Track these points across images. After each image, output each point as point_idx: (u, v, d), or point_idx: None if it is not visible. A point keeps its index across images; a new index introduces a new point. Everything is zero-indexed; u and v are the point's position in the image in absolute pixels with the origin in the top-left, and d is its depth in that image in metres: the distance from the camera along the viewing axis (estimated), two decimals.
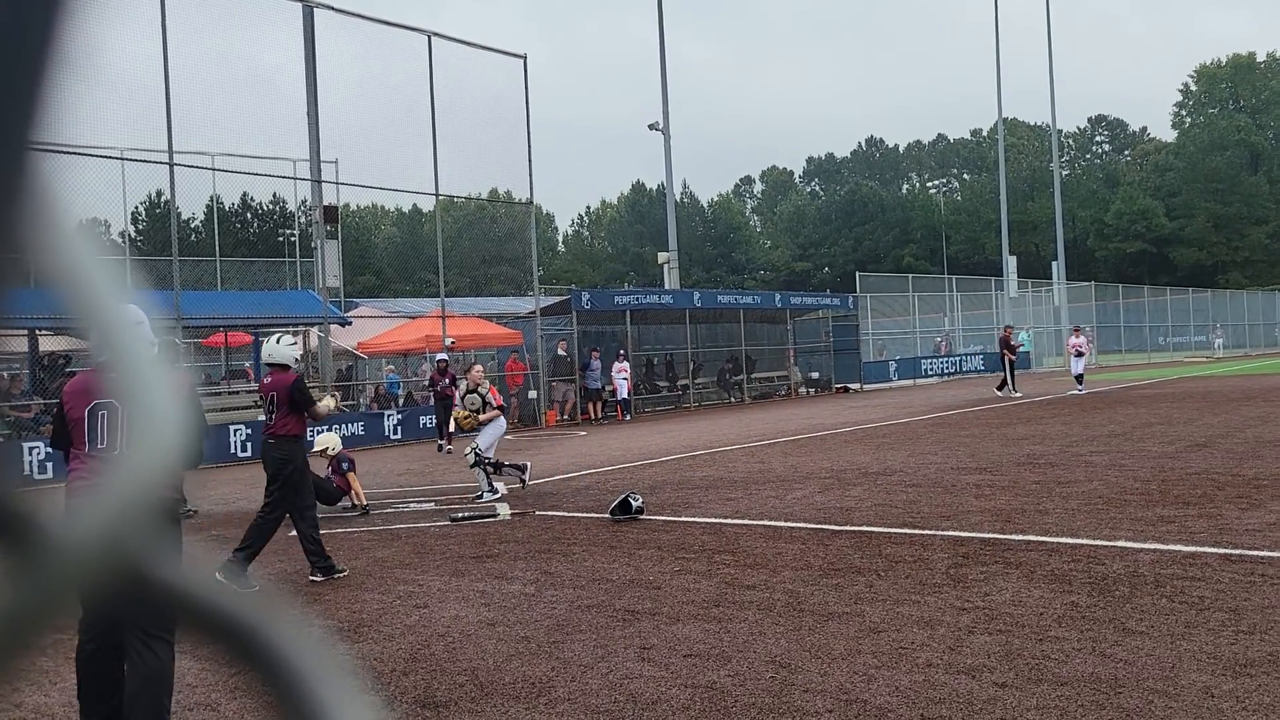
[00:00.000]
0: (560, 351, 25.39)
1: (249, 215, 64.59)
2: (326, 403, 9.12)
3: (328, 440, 11.73)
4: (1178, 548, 7.16)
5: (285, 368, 8.01)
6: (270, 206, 62.58)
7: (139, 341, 0.29)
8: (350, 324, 25.01)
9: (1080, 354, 26.27)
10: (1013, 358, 25.96)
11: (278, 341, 8.13)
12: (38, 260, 0.28)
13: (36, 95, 0.28)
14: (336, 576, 7.73)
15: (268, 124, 21.41)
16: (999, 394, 25.24)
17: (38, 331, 19.01)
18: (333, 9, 21.27)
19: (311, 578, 7.71)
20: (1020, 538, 7.81)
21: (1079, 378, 25.77)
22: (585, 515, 10.17)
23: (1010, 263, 45.76)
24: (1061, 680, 4.60)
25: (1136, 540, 7.47)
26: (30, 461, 15.71)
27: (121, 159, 20.18)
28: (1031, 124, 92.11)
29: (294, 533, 7.93)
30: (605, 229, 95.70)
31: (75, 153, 15.92)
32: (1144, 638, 5.14)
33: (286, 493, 7.75)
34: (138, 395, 0.28)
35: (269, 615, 0.28)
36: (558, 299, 28.40)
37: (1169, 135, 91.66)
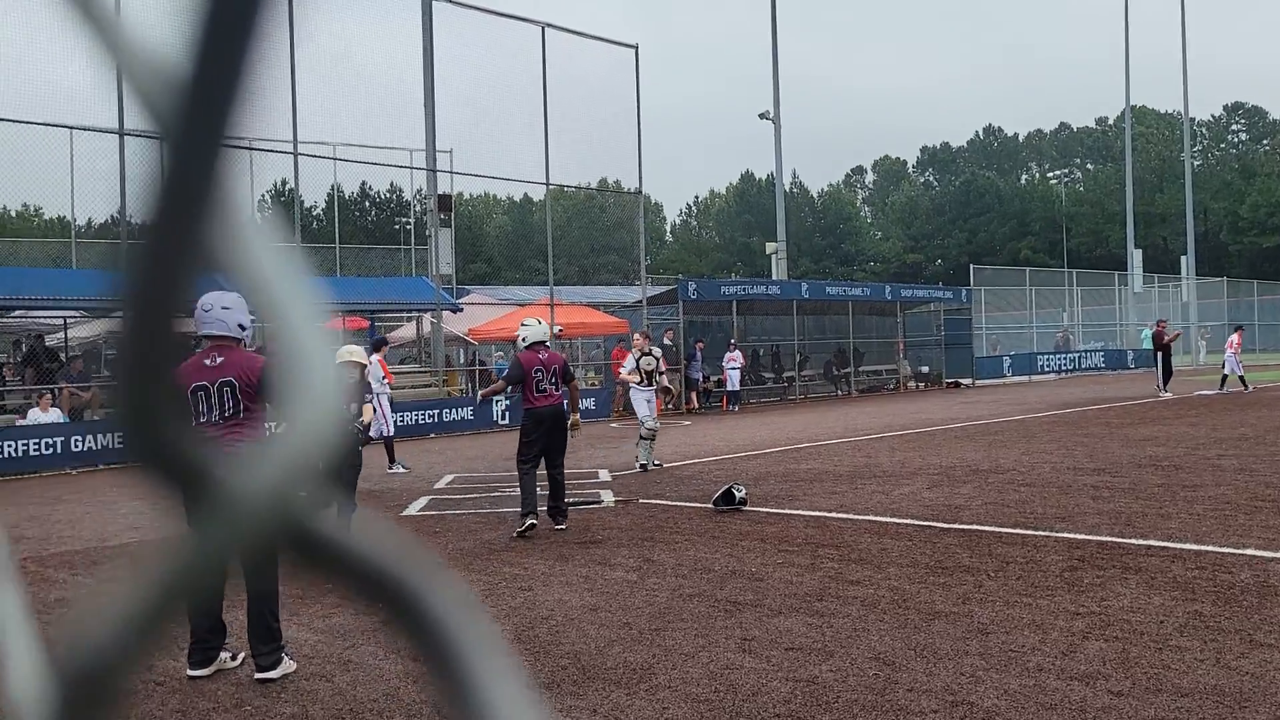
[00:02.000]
0: (666, 341, 25.43)
1: (367, 204, 66.50)
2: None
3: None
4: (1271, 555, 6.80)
5: (545, 345, 9.56)
6: (388, 195, 64.33)
7: (307, 320, 0.31)
8: (462, 310, 25.52)
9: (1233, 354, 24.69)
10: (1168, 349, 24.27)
11: (539, 324, 9.71)
12: (216, 248, 0.31)
13: (239, 90, 0.30)
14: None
15: (386, 115, 22.02)
16: (1163, 393, 23.69)
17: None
18: (451, 2, 21.69)
19: (557, 527, 8.92)
20: (1140, 542, 7.52)
21: (1239, 379, 24.21)
22: (688, 504, 10.19)
23: (1135, 257, 43.97)
24: (1182, 691, 4.42)
25: (1267, 549, 7.11)
26: None
27: (250, 149, 20.97)
28: (1162, 112, 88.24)
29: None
30: (713, 219, 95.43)
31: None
32: (1273, 650, 4.89)
33: (561, 443, 9.33)
34: (303, 366, 0.30)
35: (435, 582, 0.29)
36: (664, 288, 28.44)
37: None
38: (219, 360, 5.33)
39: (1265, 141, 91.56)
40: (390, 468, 13.68)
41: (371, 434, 12.62)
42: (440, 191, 23.02)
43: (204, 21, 0.30)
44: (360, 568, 0.29)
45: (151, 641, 0.28)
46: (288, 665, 5.21)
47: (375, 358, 13.68)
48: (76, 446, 15.86)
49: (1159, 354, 24.30)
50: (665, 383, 13.30)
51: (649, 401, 12.90)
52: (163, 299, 0.30)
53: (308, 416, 0.29)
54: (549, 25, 23.14)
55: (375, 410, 10.18)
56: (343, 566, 0.29)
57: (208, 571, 0.29)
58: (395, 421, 15.19)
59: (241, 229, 0.31)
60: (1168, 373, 23.88)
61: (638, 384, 13.25)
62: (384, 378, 13.88)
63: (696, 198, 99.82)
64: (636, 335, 13.96)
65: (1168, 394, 23.40)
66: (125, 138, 16.97)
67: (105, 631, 0.30)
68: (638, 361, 13.37)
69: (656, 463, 13.11)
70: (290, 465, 0.28)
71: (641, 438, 12.94)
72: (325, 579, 0.28)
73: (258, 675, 5.11)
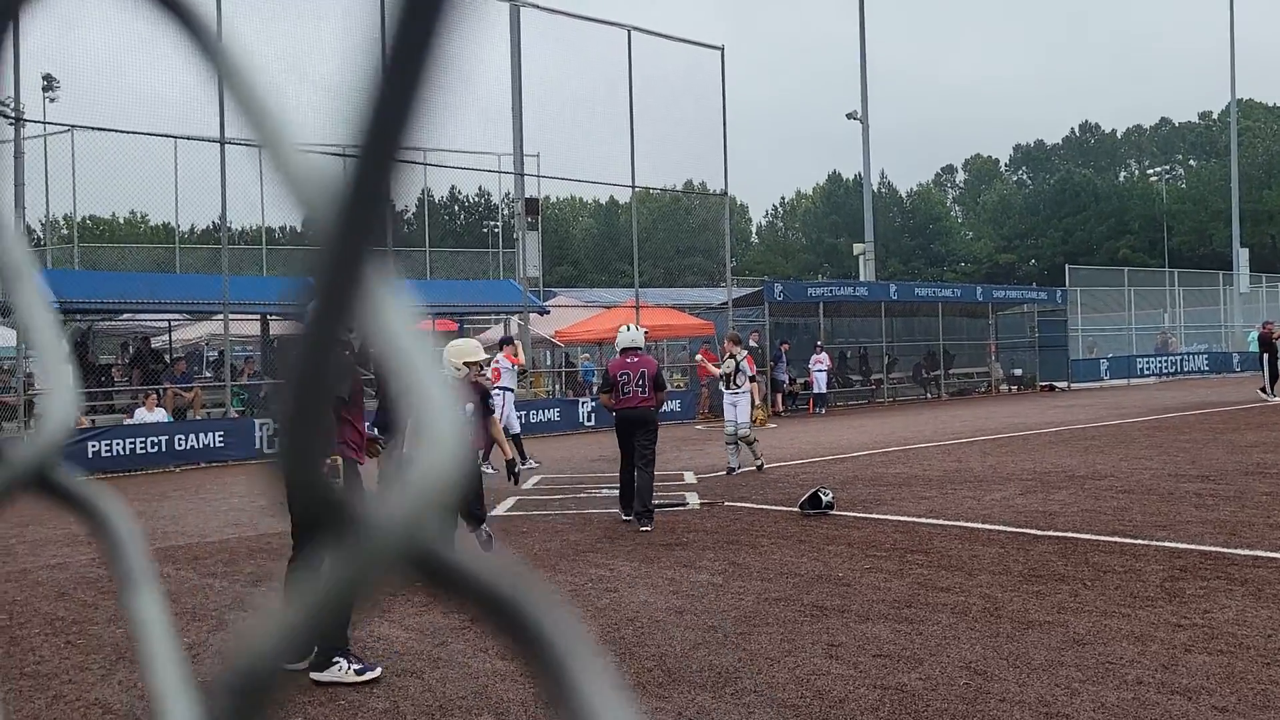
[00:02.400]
0: (752, 343, 25.30)
1: (456, 208, 67.66)
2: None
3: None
4: None
5: (640, 350, 9.95)
6: (476, 199, 65.37)
7: (426, 360, 0.33)
8: (549, 313, 25.78)
9: None
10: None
11: (629, 330, 10.14)
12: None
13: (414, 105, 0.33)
14: (644, 529, 9.06)
15: (475, 120, 22.34)
16: (1263, 396, 22.83)
17: (268, 317, 20.55)
18: (538, 7, 21.95)
19: (642, 529, 9.10)
20: (1247, 553, 7.23)
21: None
22: (774, 508, 10.13)
23: (1241, 255, 42.28)
24: None
25: None
26: (258, 437, 17.09)
27: (342, 155, 21.50)
28: (1270, 105, 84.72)
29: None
30: (800, 220, 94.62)
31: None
32: None
33: (644, 446, 9.58)
34: (428, 407, 0.32)
35: (550, 606, 0.32)
36: (750, 290, 28.32)
37: None
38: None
39: None
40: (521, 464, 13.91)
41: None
42: (527, 195, 23.30)
43: (397, 34, 0.32)
44: (484, 593, 0.32)
45: (299, 658, 0.31)
46: (341, 673, 5.07)
47: (501, 356, 14.35)
48: (180, 445, 16.46)
49: (1265, 356, 23.41)
50: (748, 391, 13.05)
51: (733, 405, 12.83)
52: (335, 319, 0.32)
53: (433, 460, 0.31)
54: (634, 28, 23.24)
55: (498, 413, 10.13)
56: (468, 593, 0.32)
57: (347, 598, 0.32)
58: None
59: (371, 277, 0.33)
60: (1275, 376, 22.94)
61: (724, 388, 13.23)
62: (514, 367, 14.70)
63: (783, 199, 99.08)
64: (725, 339, 13.90)
65: (1276, 399, 22.45)
66: (226, 146, 17.55)
67: (265, 645, 0.33)
68: (722, 363, 13.43)
69: (746, 466, 12.95)
70: (420, 503, 0.31)
71: (726, 442, 12.92)
72: (454, 605, 0.33)
73: (312, 674, 5.06)
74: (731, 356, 13.03)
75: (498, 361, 14.03)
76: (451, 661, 5.38)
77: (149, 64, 17.59)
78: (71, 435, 0.49)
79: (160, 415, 17.09)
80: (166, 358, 21.34)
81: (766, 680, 4.92)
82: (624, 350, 9.90)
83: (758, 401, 12.86)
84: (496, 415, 8.27)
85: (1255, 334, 39.82)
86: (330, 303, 0.31)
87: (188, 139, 18.28)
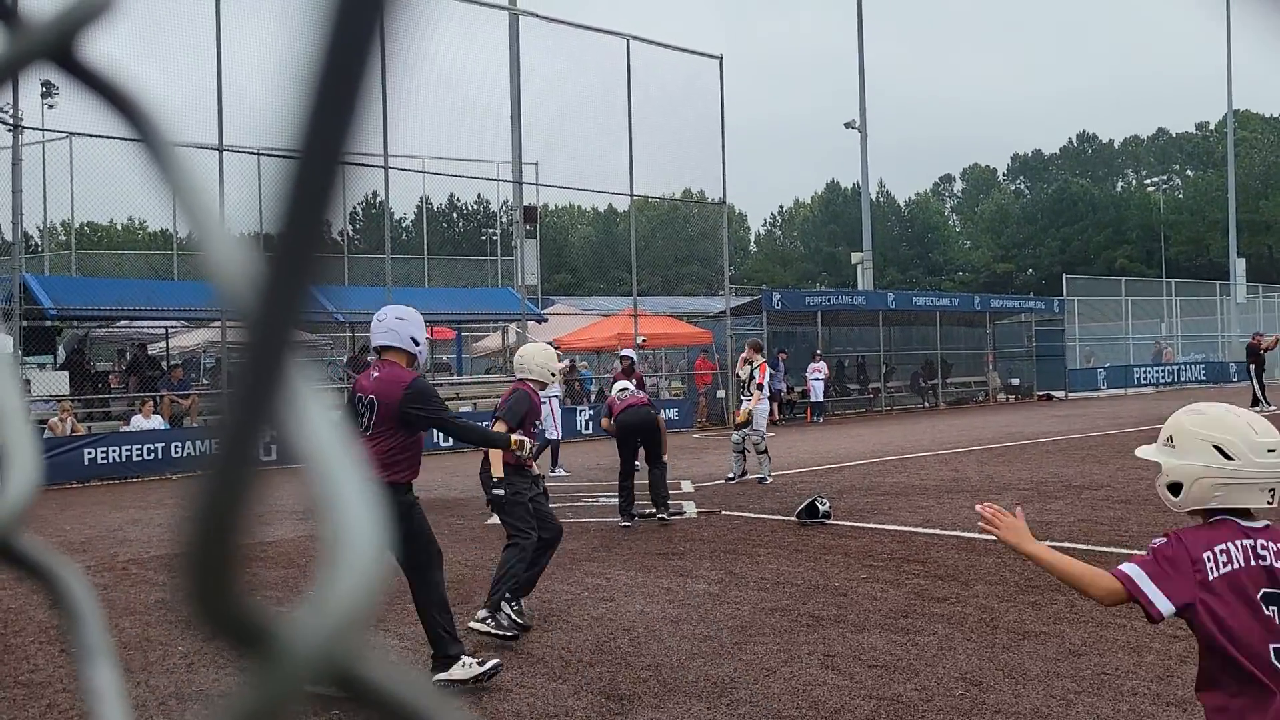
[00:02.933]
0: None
1: (455, 215, 67.73)
2: None
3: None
4: None
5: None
6: (475, 207, 65.43)
7: (347, 463, 0.32)
8: (547, 321, 25.78)
9: None
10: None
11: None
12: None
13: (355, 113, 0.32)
14: (661, 517, 9.92)
15: (473, 128, 22.39)
16: (1255, 409, 23.05)
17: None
18: (537, 16, 22.00)
19: (660, 515, 9.94)
20: None
21: None
22: (771, 517, 10.12)
23: (1238, 266, 42.35)
24: None
25: None
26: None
27: (345, 163, 21.55)
28: (1267, 116, 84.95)
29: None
30: (798, 228, 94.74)
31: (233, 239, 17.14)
32: None
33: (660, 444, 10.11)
34: (343, 518, 0.31)
35: None
36: (749, 299, 28.35)
37: None
38: (375, 375, 5.21)
39: None
40: (552, 470, 14.04)
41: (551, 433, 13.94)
42: (526, 203, 23.33)
43: (328, 39, 0.31)
44: (402, 713, 0.32)
45: None
46: (465, 667, 4.99)
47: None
48: (176, 452, 16.44)
49: (1252, 366, 23.76)
50: (764, 400, 12.91)
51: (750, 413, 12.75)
52: (254, 413, 0.31)
53: (351, 573, 0.30)
54: (634, 37, 23.29)
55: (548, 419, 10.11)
56: (387, 712, 0.32)
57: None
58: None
59: (295, 384, 0.32)
60: (1263, 385, 23.29)
61: (743, 395, 13.10)
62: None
63: (781, 207, 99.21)
64: (746, 345, 13.55)
65: (1271, 407, 22.56)
66: (225, 154, 17.58)
67: None
68: (740, 369, 13.26)
69: (753, 474, 12.78)
70: (338, 619, 0.30)
71: (734, 450, 12.94)
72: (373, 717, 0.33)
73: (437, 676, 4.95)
74: (748, 363, 12.96)
75: None
76: None
77: (148, 71, 17.62)
78: (32, 502, 0.49)
79: (157, 422, 17.07)
80: (164, 365, 21.31)
81: (762, 690, 4.92)
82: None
83: (749, 408, 12.63)
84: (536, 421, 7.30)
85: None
86: (250, 396, 0.32)
87: (187, 146, 18.22)
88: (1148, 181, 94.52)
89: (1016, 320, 33.11)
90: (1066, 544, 8.20)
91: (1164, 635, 5.53)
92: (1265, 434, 2.51)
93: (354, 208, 50.03)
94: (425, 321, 5.63)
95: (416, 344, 5.28)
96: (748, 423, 12.55)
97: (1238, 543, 2.46)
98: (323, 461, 0.32)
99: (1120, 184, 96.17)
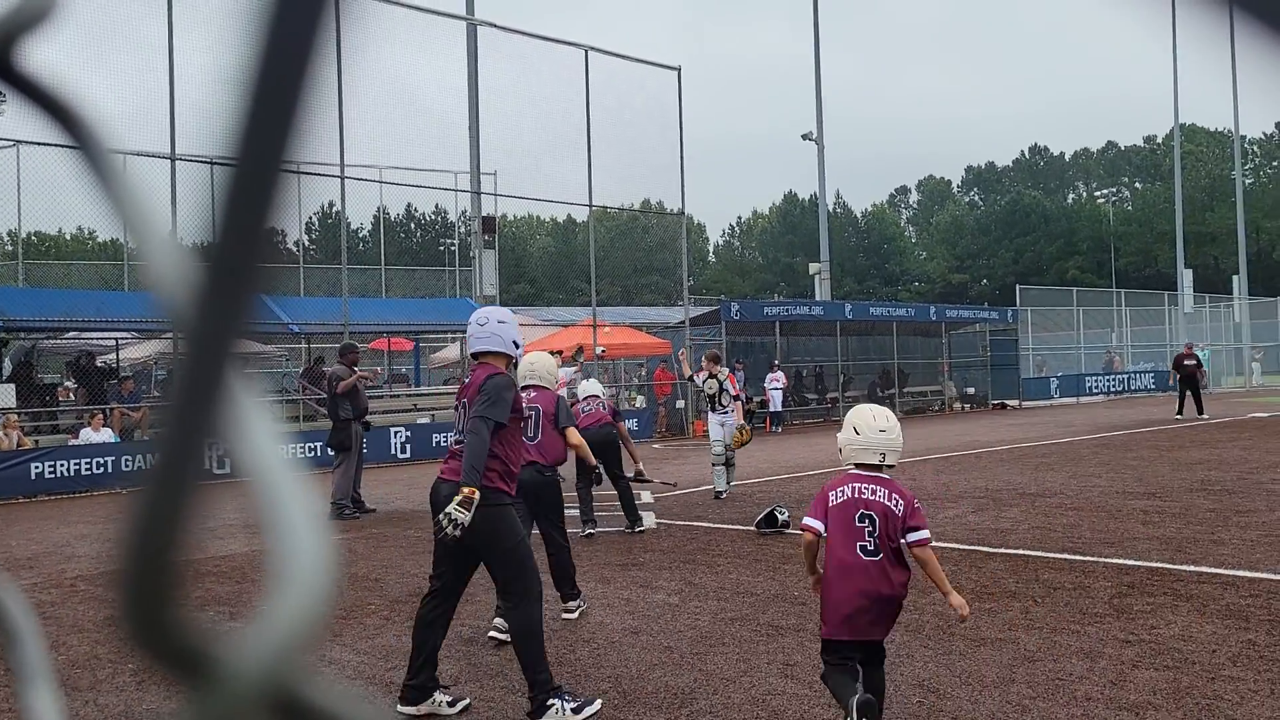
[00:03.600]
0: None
1: (412, 225, 67.33)
2: None
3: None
4: None
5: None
6: (432, 217, 65.13)
7: (288, 484, 0.31)
8: None
9: None
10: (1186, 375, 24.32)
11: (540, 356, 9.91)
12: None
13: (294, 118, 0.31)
14: (638, 531, 9.79)
15: (431, 138, 22.28)
16: (1179, 416, 23.57)
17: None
18: (495, 26, 21.97)
19: (637, 529, 9.90)
20: (1192, 569, 7.37)
21: None
22: (730, 527, 10.14)
23: (1186, 277, 43.21)
24: None
25: None
26: (210, 456, 16.83)
27: (298, 172, 21.36)
28: (1212, 130, 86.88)
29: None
30: (756, 239, 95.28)
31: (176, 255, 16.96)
32: None
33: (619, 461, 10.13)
34: (288, 547, 0.30)
35: None
36: (707, 309, 28.45)
37: None
38: (467, 380, 5.18)
39: None
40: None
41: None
42: (484, 213, 23.23)
43: (263, 48, 0.30)
44: None
45: None
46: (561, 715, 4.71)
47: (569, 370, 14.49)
48: (127, 466, 16.15)
49: (1178, 376, 24.52)
50: (738, 419, 12.54)
51: (721, 424, 12.49)
52: (194, 430, 0.30)
53: (294, 596, 0.29)
54: (592, 48, 23.34)
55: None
56: None
57: None
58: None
59: (242, 408, 0.31)
60: (1197, 394, 23.89)
61: (710, 409, 12.83)
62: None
63: (739, 218, 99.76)
64: (704, 358, 13.19)
65: (1201, 417, 23.21)
66: (177, 162, 17.34)
67: None
68: (703, 384, 12.86)
69: (724, 490, 12.48)
70: (281, 644, 0.29)
71: (712, 464, 12.59)
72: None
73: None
74: (713, 376, 12.67)
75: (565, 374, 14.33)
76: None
77: (98, 79, 17.35)
78: None
79: (107, 435, 16.77)
80: (114, 377, 20.94)
81: (722, 700, 4.92)
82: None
83: (741, 422, 12.38)
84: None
85: (1206, 353, 40.72)
86: (188, 409, 0.30)
87: (138, 154, 18.02)
88: (1098, 194, 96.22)
89: (971, 330, 33.53)
90: (1022, 551, 8.30)
91: (1116, 641, 5.61)
92: (881, 420, 4.55)
93: (310, 217, 49.52)
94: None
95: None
96: (749, 441, 12.51)
97: (851, 485, 4.34)
98: (267, 478, 0.31)
99: (1071, 196, 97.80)
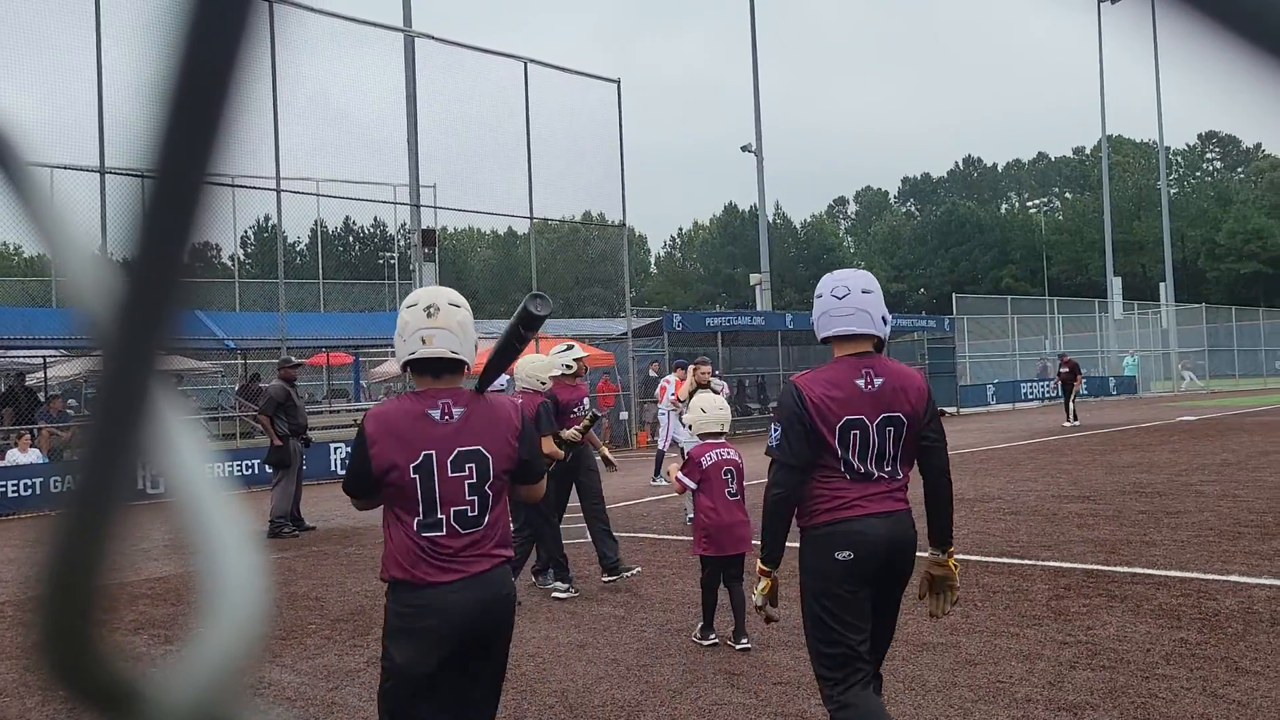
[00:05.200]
0: (652, 373, 25.45)
1: (351, 239, 66.55)
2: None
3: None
4: None
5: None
6: (371, 230, 64.43)
7: (216, 504, 0.30)
8: None
9: None
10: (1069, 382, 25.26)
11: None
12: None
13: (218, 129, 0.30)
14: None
15: (369, 150, 22.07)
16: (1065, 424, 24.42)
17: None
18: (433, 38, 21.84)
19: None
20: (1125, 570, 7.53)
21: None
22: (675, 538, 10.15)
23: (1115, 284, 44.34)
24: None
25: (1251, 575, 7.14)
26: (142, 476, 16.42)
27: (232, 185, 20.99)
28: (1138, 141, 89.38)
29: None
30: (697, 251, 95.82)
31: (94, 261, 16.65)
32: (1259, 678, 4.90)
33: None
34: (219, 572, 0.29)
35: None
36: (650, 320, 28.50)
37: None
38: (871, 377, 3.59)
39: (1240, 169, 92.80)
40: (653, 479, 15.16)
41: (660, 445, 14.71)
42: (424, 226, 23.04)
43: (183, 58, 0.29)
44: None
45: None
46: None
47: (672, 377, 15.47)
48: (56, 487, 15.70)
49: (1062, 385, 25.46)
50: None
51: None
52: (117, 446, 0.28)
53: (226, 623, 0.28)
54: (531, 60, 23.31)
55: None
56: None
57: None
58: None
59: (168, 427, 0.30)
60: (1068, 404, 24.81)
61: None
62: (673, 394, 14.93)
63: (680, 230, 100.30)
64: (696, 364, 12.92)
65: (1075, 422, 24.09)
66: (106, 176, 16.96)
67: None
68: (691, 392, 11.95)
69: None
70: (211, 673, 0.28)
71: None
72: None
73: None
74: (709, 385, 12.43)
75: (666, 380, 15.88)
76: (345, 705, 5.23)
77: (22, 90, 16.92)
78: None
79: (35, 456, 16.29)
80: (41, 396, 20.37)
81: (669, 712, 4.91)
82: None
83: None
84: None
85: (1130, 359, 41.74)
86: (107, 429, 0.28)
87: (64, 168, 17.59)
88: (1030, 204, 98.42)
89: (910, 339, 34.02)
90: (961, 555, 8.40)
91: (1054, 642, 5.71)
92: (718, 401, 6.44)
93: (245, 231, 48.72)
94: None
95: (886, 324, 4.83)
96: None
97: (717, 450, 6.13)
98: (194, 498, 0.30)
99: (1004, 206, 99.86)
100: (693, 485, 6.09)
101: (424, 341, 3.24)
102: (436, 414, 3.22)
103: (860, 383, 3.52)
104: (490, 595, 3.17)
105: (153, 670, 0.29)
